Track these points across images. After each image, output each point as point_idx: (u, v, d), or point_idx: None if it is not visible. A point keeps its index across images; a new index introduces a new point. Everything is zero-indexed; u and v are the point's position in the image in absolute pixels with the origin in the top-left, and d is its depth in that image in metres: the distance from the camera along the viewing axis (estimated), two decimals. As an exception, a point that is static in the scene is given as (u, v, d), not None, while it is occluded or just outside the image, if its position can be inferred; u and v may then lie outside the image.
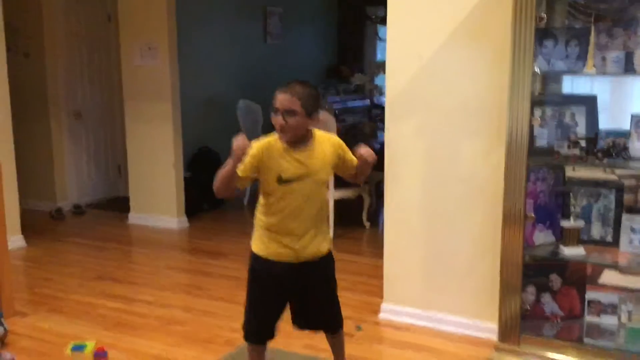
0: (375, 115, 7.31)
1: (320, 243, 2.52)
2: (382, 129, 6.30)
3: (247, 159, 2.35)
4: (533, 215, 2.93)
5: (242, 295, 2.64)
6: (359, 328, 3.54)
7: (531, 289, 3.08)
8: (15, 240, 4.87)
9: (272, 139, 2.42)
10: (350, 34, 8.85)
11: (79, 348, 3.28)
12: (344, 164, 2.53)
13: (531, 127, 2.83)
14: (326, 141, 2.48)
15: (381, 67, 6.84)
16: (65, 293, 4.12)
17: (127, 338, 3.46)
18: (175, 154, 5.62)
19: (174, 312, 3.83)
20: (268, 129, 2.52)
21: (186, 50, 5.86)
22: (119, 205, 6.23)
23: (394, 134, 3.55)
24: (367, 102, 8.02)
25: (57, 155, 6.25)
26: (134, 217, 5.86)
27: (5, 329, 3.33)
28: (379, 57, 8.92)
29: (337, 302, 2.70)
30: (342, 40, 8.94)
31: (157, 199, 5.73)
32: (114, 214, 6.13)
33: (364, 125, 6.24)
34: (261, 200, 2.49)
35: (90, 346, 3.30)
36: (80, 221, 6.02)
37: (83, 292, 4.12)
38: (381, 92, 7.99)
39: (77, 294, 4.09)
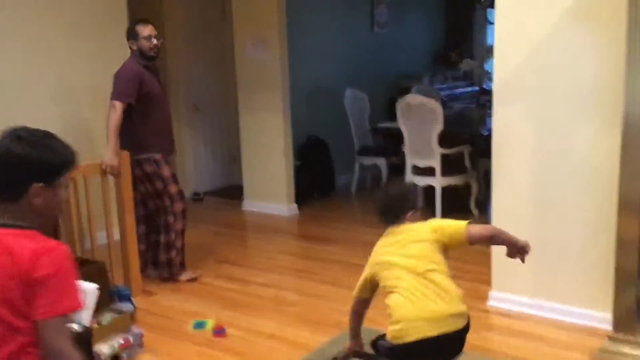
0: (484, 102, 7.16)
1: None
2: (491, 115, 6.21)
3: None
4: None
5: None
6: (466, 314, 3.54)
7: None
8: (142, 225, 5.25)
9: None
10: (458, 19, 8.71)
11: (200, 325, 3.54)
12: None
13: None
14: None
15: (491, 51, 6.67)
16: (187, 274, 4.42)
17: (243, 317, 3.68)
18: (285, 143, 5.83)
19: (286, 294, 4.02)
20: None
21: (295, 41, 6.03)
22: (234, 192, 6.54)
23: (502, 119, 3.51)
24: (476, 88, 7.87)
25: (178, 146, 6.60)
26: (247, 204, 6.14)
27: (134, 306, 3.64)
28: (489, 41, 8.70)
29: None
30: (450, 26, 8.81)
31: (269, 187, 5.97)
32: (229, 201, 6.45)
33: (472, 111, 6.15)
34: None
35: (211, 323, 3.55)
36: (199, 207, 6.39)
37: (204, 274, 4.40)
38: (491, 78, 7.80)
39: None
